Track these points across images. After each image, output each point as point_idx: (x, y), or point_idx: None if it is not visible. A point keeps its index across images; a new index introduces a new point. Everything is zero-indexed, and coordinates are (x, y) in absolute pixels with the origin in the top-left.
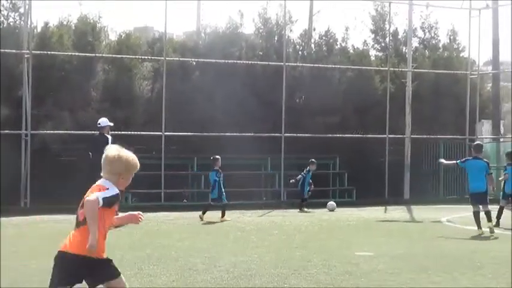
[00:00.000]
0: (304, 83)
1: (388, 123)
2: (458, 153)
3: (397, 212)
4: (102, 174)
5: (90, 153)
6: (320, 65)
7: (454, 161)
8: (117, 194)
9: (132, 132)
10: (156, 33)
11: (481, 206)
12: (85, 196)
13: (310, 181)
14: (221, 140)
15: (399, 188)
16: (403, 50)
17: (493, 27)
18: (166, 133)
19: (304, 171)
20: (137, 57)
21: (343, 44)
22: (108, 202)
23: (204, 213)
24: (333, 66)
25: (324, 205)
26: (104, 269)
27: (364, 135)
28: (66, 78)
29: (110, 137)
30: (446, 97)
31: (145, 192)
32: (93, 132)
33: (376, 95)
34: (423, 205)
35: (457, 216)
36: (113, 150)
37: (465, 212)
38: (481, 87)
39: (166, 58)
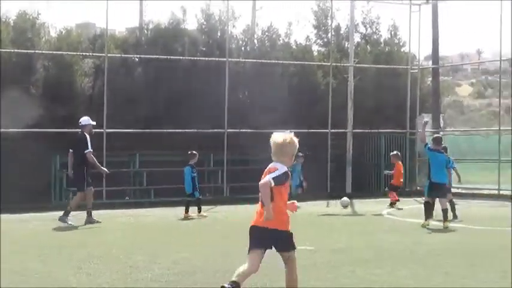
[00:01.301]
0: (247, 78)
1: (330, 117)
2: (399, 147)
3: (338, 206)
4: (272, 157)
5: (71, 150)
6: (263, 61)
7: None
8: (286, 171)
9: (74, 130)
10: (97, 29)
11: (438, 200)
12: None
13: (302, 178)
14: (164, 137)
15: (341, 182)
16: (345, 45)
17: (432, 22)
18: (107, 130)
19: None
20: (78, 53)
21: (286, 40)
22: (279, 180)
23: (186, 210)
24: (276, 61)
25: None
26: (284, 240)
27: (307, 130)
28: (5, 75)
29: (88, 136)
30: (387, 91)
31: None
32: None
33: (319, 90)
34: (365, 199)
35: (398, 209)
36: (280, 135)
37: (406, 205)
38: (421, 82)
39: (108, 54)
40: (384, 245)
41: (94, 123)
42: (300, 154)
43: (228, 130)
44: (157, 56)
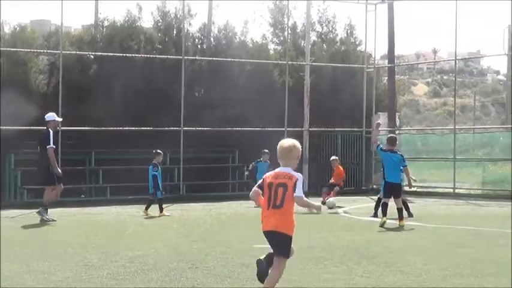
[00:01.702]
0: (203, 76)
1: (286, 116)
2: (355, 146)
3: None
4: (281, 163)
5: (39, 148)
6: (219, 59)
7: (378, 142)
8: (302, 177)
9: (28, 127)
10: (52, 26)
11: (393, 199)
12: (270, 181)
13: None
14: (120, 135)
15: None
16: (302, 44)
17: (388, 21)
18: (63, 128)
19: (254, 162)
20: (33, 50)
21: (242, 38)
22: (298, 189)
23: (146, 208)
24: (232, 59)
25: (223, 198)
26: (283, 243)
27: (263, 129)
28: None
29: (51, 132)
30: (343, 90)
31: (41, 188)
32: None
33: (275, 89)
34: (321, 197)
35: (353, 207)
36: (287, 141)
37: (361, 203)
38: (377, 81)
39: (63, 52)
40: (339, 243)
41: (60, 119)
42: (266, 151)
43: (184, 128)
44: (112, 54)
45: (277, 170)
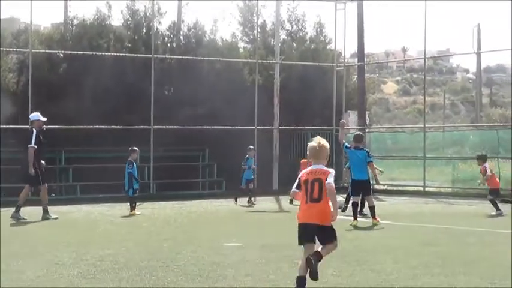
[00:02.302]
0: (173, 75)
1: (256, 114)
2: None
3: (265, 202)
4: (313, 161)
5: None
6: (189, 57)
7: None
8: (334, 172)
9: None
10: (22, 24)
11: (364, 198)
12: (306, 178)
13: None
14: (90, 133)
15: (268, 178)
16: (271, 43)
17: (358, 20)
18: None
19: (243, 163)
20: (2, 49)
21: (212, 36)
22: (330, 178)
23: (132, 207)
24: (202, 58)
25: (193, 196)
26: (327, 235)
27: (233, 127)
28: None
29: (34, 132)
30: (313, 89)
31: (13, 187)
32: None
33: (245, 87)
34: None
35: None
36: (315, 141)
37: None
38: (347, 79)
39: (33, 50)
40: None
41: (44, 119)
42: (251, 147)
43: (155, 126)
44: (82, 52)
45: (310, 167)
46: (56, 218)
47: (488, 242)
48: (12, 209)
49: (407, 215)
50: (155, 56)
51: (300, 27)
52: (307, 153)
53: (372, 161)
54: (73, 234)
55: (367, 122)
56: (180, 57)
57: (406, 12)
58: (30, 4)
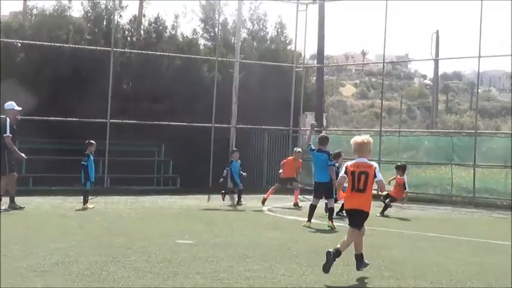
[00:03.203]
0: (132, 69)
1: (214, 112)
2: (282, 144)
3: (220, 200)
4: (357, 155)
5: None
6: (149, 52)
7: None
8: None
9: None
10: None
11: (325, 201)
12: (353, 170)
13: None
14: (44, 125)
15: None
16: (232, 41)
17: (319, 21)
18: None
19: (226, 167)
20: None
21: (173, 32)
22: (378, 174)
23: (84, 201)
24: (162, 53)
25: (147, 192)
26: (363, 217)
27: (190, 124)
28: None
29: (8, 120)
30: (272, 88)
31: None
32: None
33: (204, 84)
34: (246, 194)
35: (278, 206)
36: (361, 137)
37: (286, 202)
38: (306, 80)
39: None
40: (263, 241)
41: (19, 108)
42: (235, 149)
43: (111, 120)
44: (41, 43)
45: (355, 160)
46: (23, 208)
47: (439, 247)
48: None
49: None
50: (114, 49)
51: (261, 27)
52: (353, 147)
53: (331, 165)
54: (23, 226)
55: (325, 123)
56: (140, 51)
57: (367, 16)
58: None
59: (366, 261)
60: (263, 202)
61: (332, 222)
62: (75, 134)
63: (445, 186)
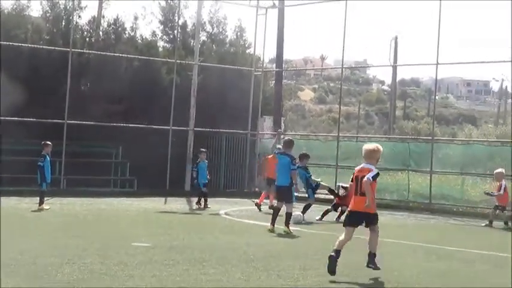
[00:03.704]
0: (90, 70)
1: (172, 114)
2: (239, 147)
3: (177, 203)
4: (365, 160)
5: None
6: (107, 53)
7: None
8: (378, 172)
9: None
10: None
11: (284, 204)
12: (356, 175)
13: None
14: (2, 125)
15: (180, 179)
16: (191, 43)
17: (278, 26)
18: None
19: (194, 167)
20: None
21: (132, 34)
22: (374, 177)
23: (40, 202)
24: (121, 55)
25: (104, 194)
26: (372, 218)
27: (148, 126)
28: None
29: None
30: (231, 92)
31: None
32: None
33: (163, 86)
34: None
35: (235, 209)
36: (371, 144)
37: (243, 205)
38: (264, 84)
39: None
40: (219, 244)
41: None
42: (203, 150)
43: (68, 121)
44: None
45: (361, 165)
46: None
47: (395, 252)
48: None
49: (319, 223)
50: (73, 50)
51: (220, 30)
52: (363, 153)
53: (294, 169)
54: None
55: (283, 128)
56: (99, 52)
57: (327, 21)
58: None
59: (378, 264)
60: (259, 207)
61: (288, 227)
62: (32, 135)
63: (401, 192)
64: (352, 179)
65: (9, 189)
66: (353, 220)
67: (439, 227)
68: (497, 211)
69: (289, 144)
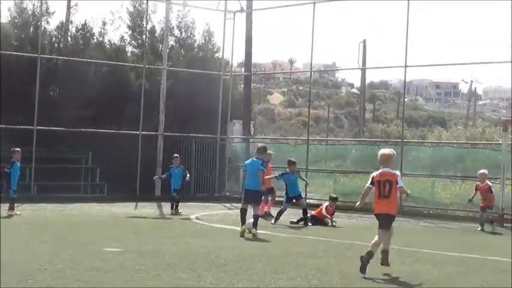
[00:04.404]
0: (59, 75)
1: (141, 119)
2: (209, 152)
3: (147, 208)
4: (382, 166)
5: None
6: (76, 59)
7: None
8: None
9: None
10: None
11: (252, 207)
12: (378, 179)
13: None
14: None
15: (151, 184)
16: (160, 48)
17: (246, 30)
18: None
19: (167, 171)
20: None
21: (100, 39)
22: (399, 181)
23: (10, 208)
24: (89, 60)
25: (74, 200)
26: (390, 221)
27: (118, 131)
28: None
29: None
30: (200, 96)
31: None
32: None
33: (131, 91)
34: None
35: (206, 213)
36: (387, 150)
37: (213, 210)
38: (233, 88)
39: None
40: (190, 249)
41: None
42: (176, 155)
43: (37, 127)
44: None
45: (380, 170)
46: None
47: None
48: None
49: (289, 227)
50: (41, 55)
51: (189, 34)
52: (379, 158)
53: (262, 170)
54: None
55: (252, 132)
56: (67, 58)
57: (295, 24)
58: None
59: (389, 262)
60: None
61: (255, 229)
62: (1, 141)
63: (371, 194)
64: (372, 182)
65: None
66: (383, 222)
67: (410, 230)
68: (487, 212)
69: (260, 150)
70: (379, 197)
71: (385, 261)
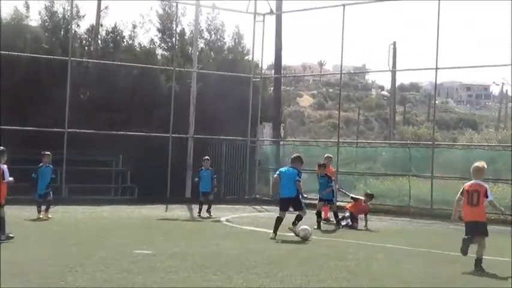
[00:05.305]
0: (89, 78)
1: (172, 122)
2: (239, 154)
3: (177, 210)
4: (474, 177)
5: None
6: (106, 62)
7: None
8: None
9: None
10: None
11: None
12: (467, 189)
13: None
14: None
15: (181, 186)
16: (189, 51)
17: (276, 32)
18: None
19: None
20: None
21: (130, 42)
22: (490, 195)
23: (38, 211)
24: (119, 63)
25: (105, 202)
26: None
27: (148, 134)
28: None
29: None
30: (230, 99)
31: None
32: None
33: (162, 94)
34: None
35: (236, 216)
36: (481, 163)
37: (243, 212)
38: (263, 91)
39: None
40: (220, 251)
41: None
42: (207, 158)
43: (69, 130)
44: None
45: (471, 182)
46: None
47: (396, 258)
48: None
49: (321, 230)
50: (72, 58)
51: (218, 37)
52: (472, 171)
53: (299, 180)
54: None
55: (282, 134)
56: (97, 61)
57: (325, 27)
58: None
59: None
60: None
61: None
62: (32, 143)
63: (402, 197)
64: (462, 192)
65: (8, 198)
66: (468, 230)
67: (440, 233)
68: None
69: (294, 160)
70: (468, 204)
71: (478, 266)
